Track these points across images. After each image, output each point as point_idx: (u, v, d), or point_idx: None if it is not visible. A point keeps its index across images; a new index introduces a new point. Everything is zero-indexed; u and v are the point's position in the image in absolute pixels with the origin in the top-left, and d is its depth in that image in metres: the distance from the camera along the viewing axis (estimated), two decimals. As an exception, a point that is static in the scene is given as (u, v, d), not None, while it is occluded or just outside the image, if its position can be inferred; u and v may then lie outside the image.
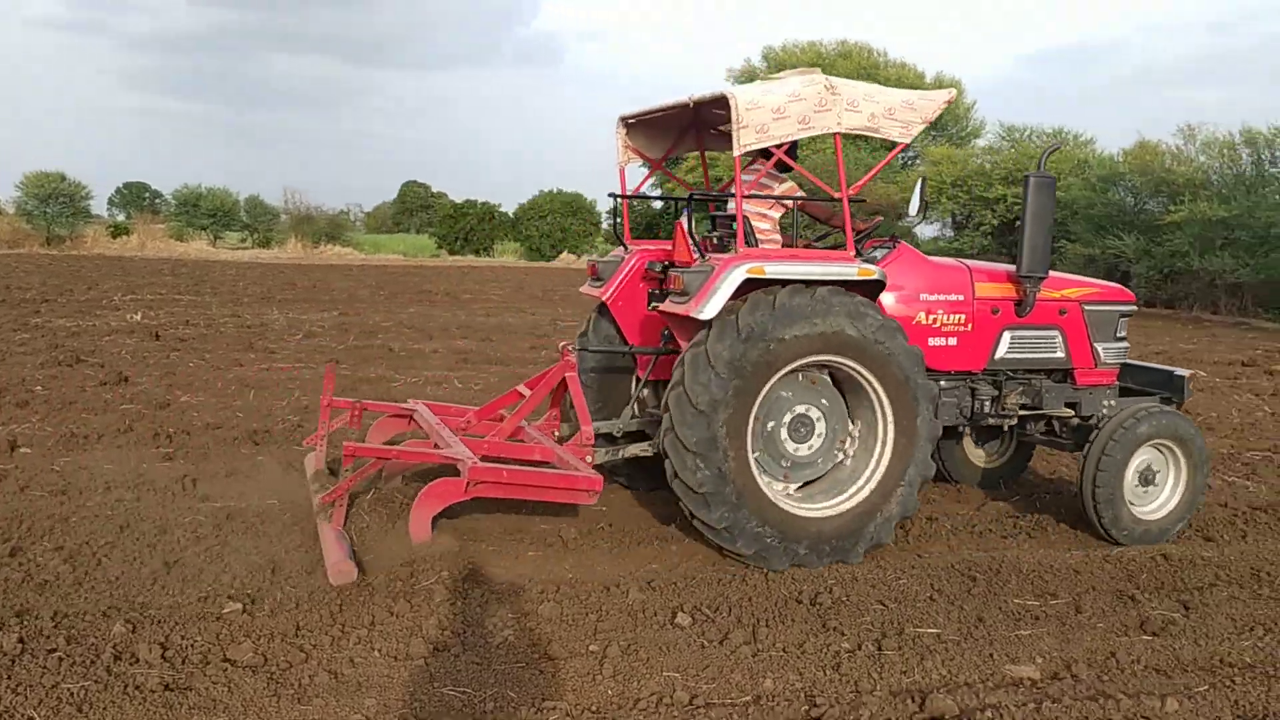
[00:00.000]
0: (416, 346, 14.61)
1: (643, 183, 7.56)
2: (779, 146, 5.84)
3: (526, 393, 6.64)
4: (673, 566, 5.78)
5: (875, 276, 5.86)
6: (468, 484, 5.35)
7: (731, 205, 6.31)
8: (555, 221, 52.75)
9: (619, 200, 6.90)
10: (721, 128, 6.93)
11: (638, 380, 7.01)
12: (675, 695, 4.19)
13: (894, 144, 6.00)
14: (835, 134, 5.82)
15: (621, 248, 6.99)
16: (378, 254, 48.89)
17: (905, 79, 45.21)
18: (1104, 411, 6.88)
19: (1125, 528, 6.44)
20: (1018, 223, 6.87)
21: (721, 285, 5.55)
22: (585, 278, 7.17)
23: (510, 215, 54.40)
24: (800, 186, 6.72)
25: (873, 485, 5.94)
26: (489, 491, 5.46)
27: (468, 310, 20.78)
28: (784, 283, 5.65)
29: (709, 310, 5.55)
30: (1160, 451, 6.60)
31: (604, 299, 6.84)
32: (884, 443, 5.95)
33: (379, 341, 14.95)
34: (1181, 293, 30.81)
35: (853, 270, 5.82)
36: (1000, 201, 36.89)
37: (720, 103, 5.81)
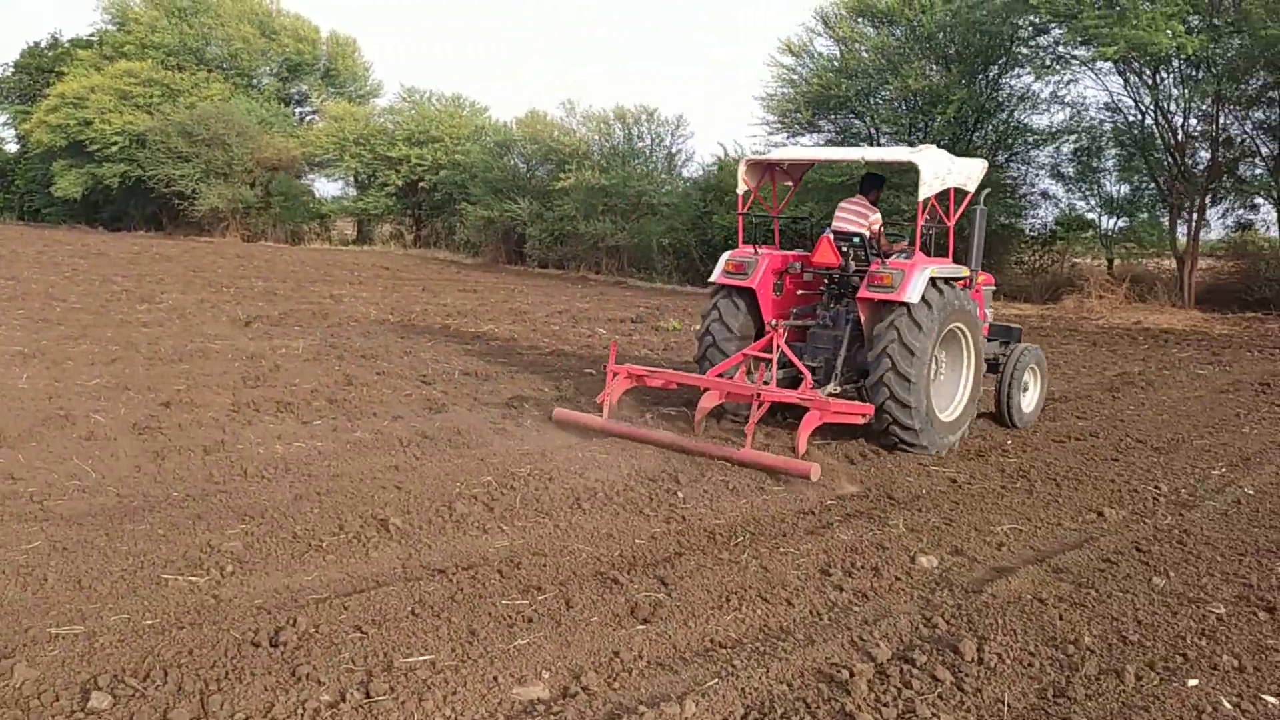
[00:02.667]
0: None
1: (749, 203, 9.72)
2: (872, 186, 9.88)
3: (756, 353, 8.93)
4: (92, 616, 4.40)
5: (967, 274, 9.27)
6: (824, 414, 7.85)
7: (843, 225, 9.47)
8: None
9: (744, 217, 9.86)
10: (788, 167, 10.02)
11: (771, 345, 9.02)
12: (100, 825, 3.01)
13: (966, 193, 9.26)
14: (950, 188, 8.98)
15: (752, 248, 9.52)
16: None
17: (301, 30, 43.35)
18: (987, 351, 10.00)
19: (1021, 416, 9.95)
20: (966, 233, 9.72)
21: (919, 280, 8.33)
22: None
23: None
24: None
25: (967, 397, 9.14)
26: (833, 418, 7.96)
27: None
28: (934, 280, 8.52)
29: (915, 296, 8.27)
30: (1029, 372, 10.06)
31: (751, 286, 9.27)
32: (970, 370, 9.20)
33: None
34: (570, 254, 33.25)
35: (962, 270, 9.19)
36: (404, 162, 36.88)
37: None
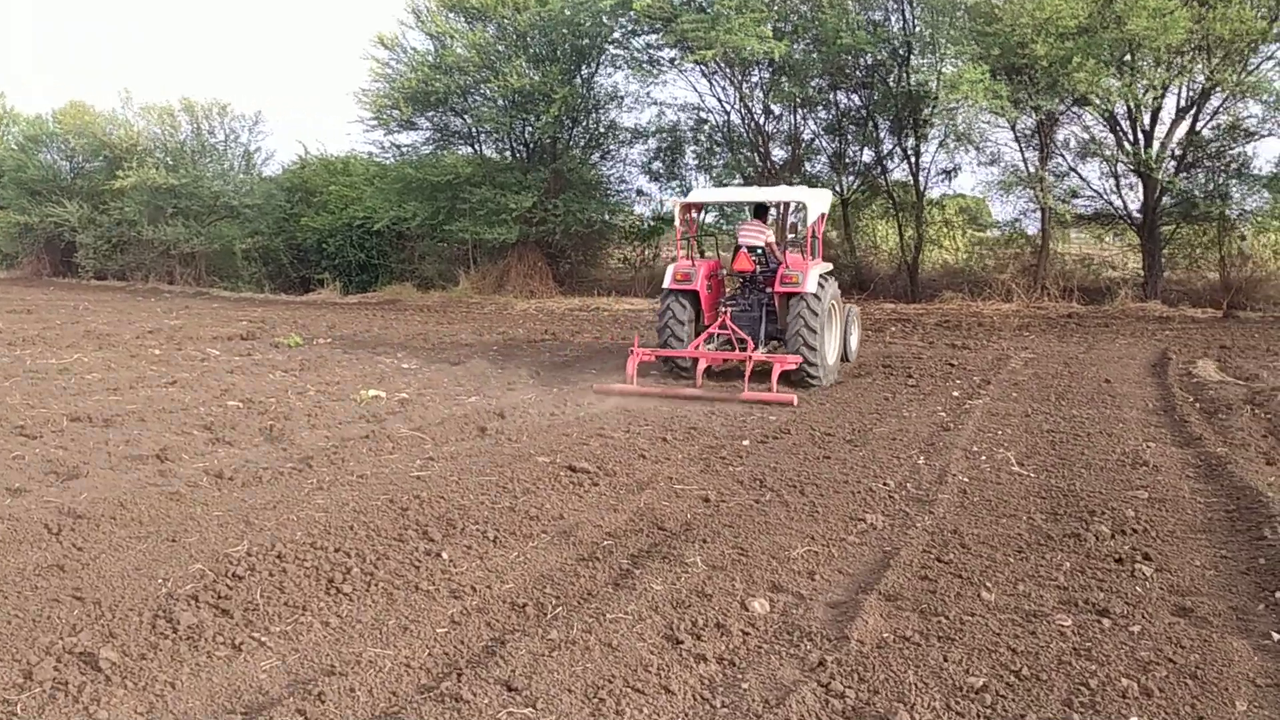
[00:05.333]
0: None
1: (679, 230, 13.35)
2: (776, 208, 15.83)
3: (715, 330, 12.84)
4: None
5: (832, 268, 14.22)
6: (782, 364, 11.99)
7: (748, 240, 13.29)
8: None
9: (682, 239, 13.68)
10: (705, 206, 16.51)
11: (706, 322, 13.13)
12: None
13: (825, 214, 14.04)
14: (821, 214, 13.37)
15: (690, 261, 13.17)
16: None
17: None
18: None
19: (851, 351, 14.19)
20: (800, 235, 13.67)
21: (813, 276, 12.28)
22: None
23: None
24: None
25: (838, 346, 13.34)
26: (786, 366, 12.01)
27: None
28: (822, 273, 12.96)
29: (812, 288, 12.17)
30: (854, 322, 14.25)
31: (695, 289, 12.79)
32: (840, 329, 13.47)
33: None
34: (134, 263, 29.36)
35: (830, 266, 13.98)
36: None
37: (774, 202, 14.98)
